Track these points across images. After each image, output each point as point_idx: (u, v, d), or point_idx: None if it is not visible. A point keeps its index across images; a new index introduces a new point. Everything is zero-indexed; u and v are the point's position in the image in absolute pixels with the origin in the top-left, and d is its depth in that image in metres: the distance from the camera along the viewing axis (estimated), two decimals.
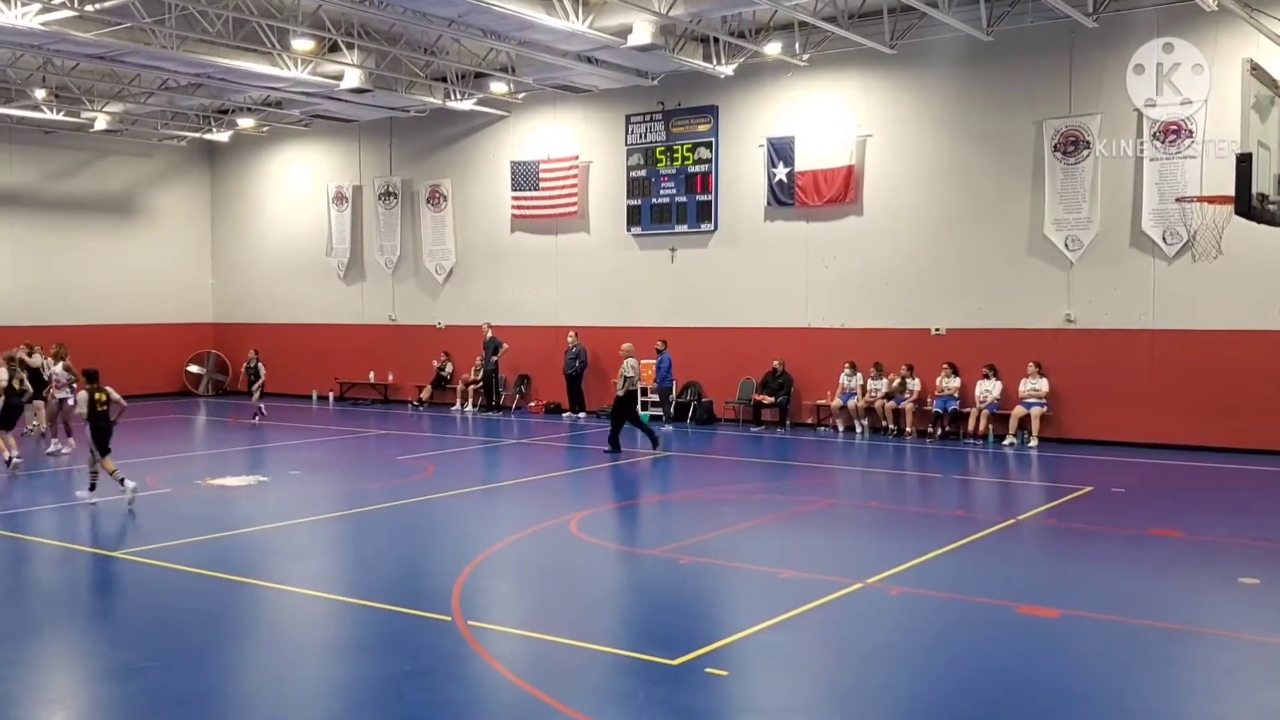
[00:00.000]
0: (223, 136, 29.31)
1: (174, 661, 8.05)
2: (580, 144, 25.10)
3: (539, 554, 11.80)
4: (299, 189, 30.08)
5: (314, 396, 29.17)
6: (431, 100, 24.56)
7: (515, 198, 25.91)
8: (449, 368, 26.78)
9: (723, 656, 8.03)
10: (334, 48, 21.04)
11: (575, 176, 25.04)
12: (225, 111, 27.92)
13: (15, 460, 16.47)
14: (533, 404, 25.66)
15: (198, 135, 29.34)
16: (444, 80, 23.97)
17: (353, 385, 28.85)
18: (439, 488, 15.54)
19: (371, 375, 28.48)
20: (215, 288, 32.13)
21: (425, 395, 26.90)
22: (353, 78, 21.92)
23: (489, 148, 26.59)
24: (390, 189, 28.24)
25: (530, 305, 25.89)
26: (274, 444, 20.17)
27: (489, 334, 25.24)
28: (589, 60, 21.65)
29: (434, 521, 13.60)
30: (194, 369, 31.05)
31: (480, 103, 25.05)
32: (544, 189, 25.39)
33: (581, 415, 24.38)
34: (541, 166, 25.40)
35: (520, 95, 25.05)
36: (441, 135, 27.31)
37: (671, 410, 23.28)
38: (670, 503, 15.15)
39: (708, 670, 7.70)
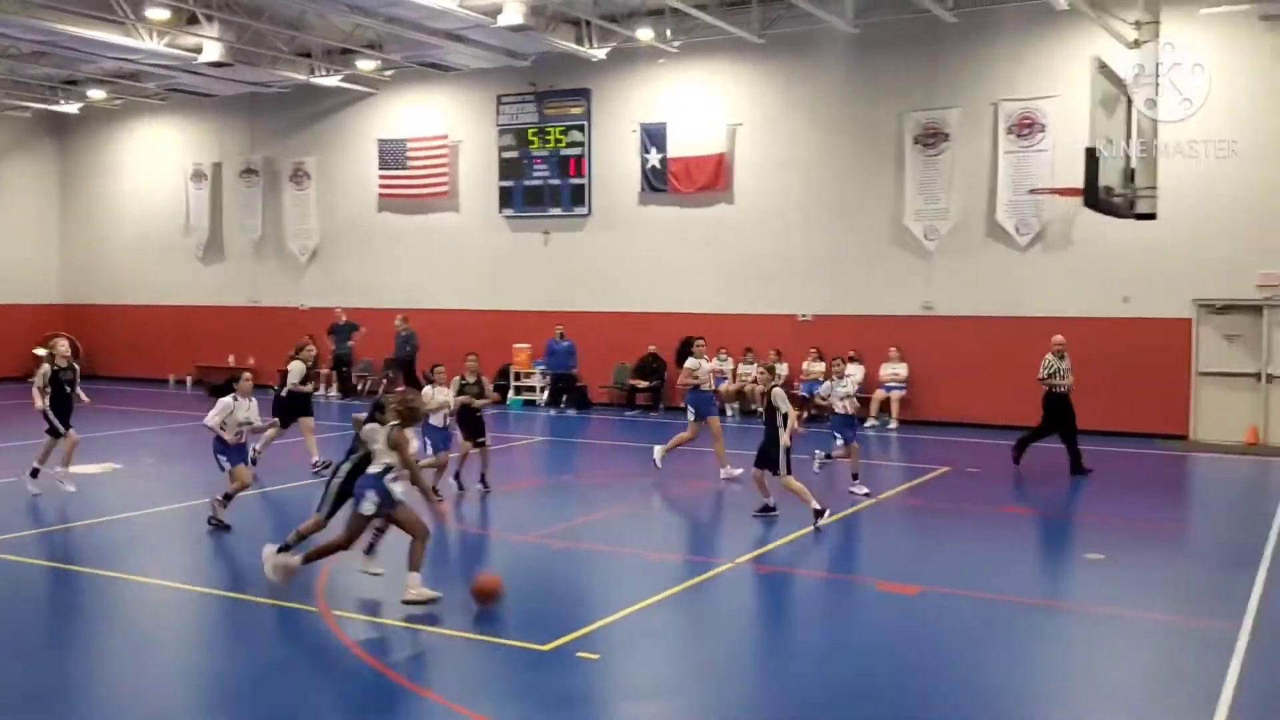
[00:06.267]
0: (72, 108, 27.95)
1: (28, 657, 7.69)
2: (450, 123, 24.76)
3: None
4: (155, 165, 28.88)
5: (170, 381, 28.15)
6: (295, 76, 23.88)
7: (383, 177, 25.42)
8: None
9: (594, 640, 8.07)
10: (192, 19, 20.25)
11: (445, 156, 24.70)
12: (74, 82, 26.60)
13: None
14: (401, 389, 25.23)
15: (44, 106, 27.90)
16: (308, 56, 23.32)
17: (212, 369, 27.93)
18: (301, 474, 15.18)
19: (231, 359, 27.60)
20: (65, 267, 30.63)
21: None
22: (212, 51, 21.15)
23: (356, 125, 26.00)
24: (251, 166, 27.37)
25: (399, 287, 25.43)
26: (127, 430, 19.40)
27: (343, 318, 24.72)
28: (459, 39, 21.34)
29: (297, 508, 13.25)
30: (42, 352, 29.58)
31: (346, 79, 24.46)
32: (412, 168, 24.97)
33: None
34: (409, 145, 24.97)
35: (388, 73, 24.55)
36: (306, 112, 26.57)
37: (545, 394, 23.19)
38: (543, 487, 15.11)
39: (579, 654, 7.72)
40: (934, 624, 8.77)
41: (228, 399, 11.60)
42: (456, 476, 13.41)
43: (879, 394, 20.26)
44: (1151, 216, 12.04)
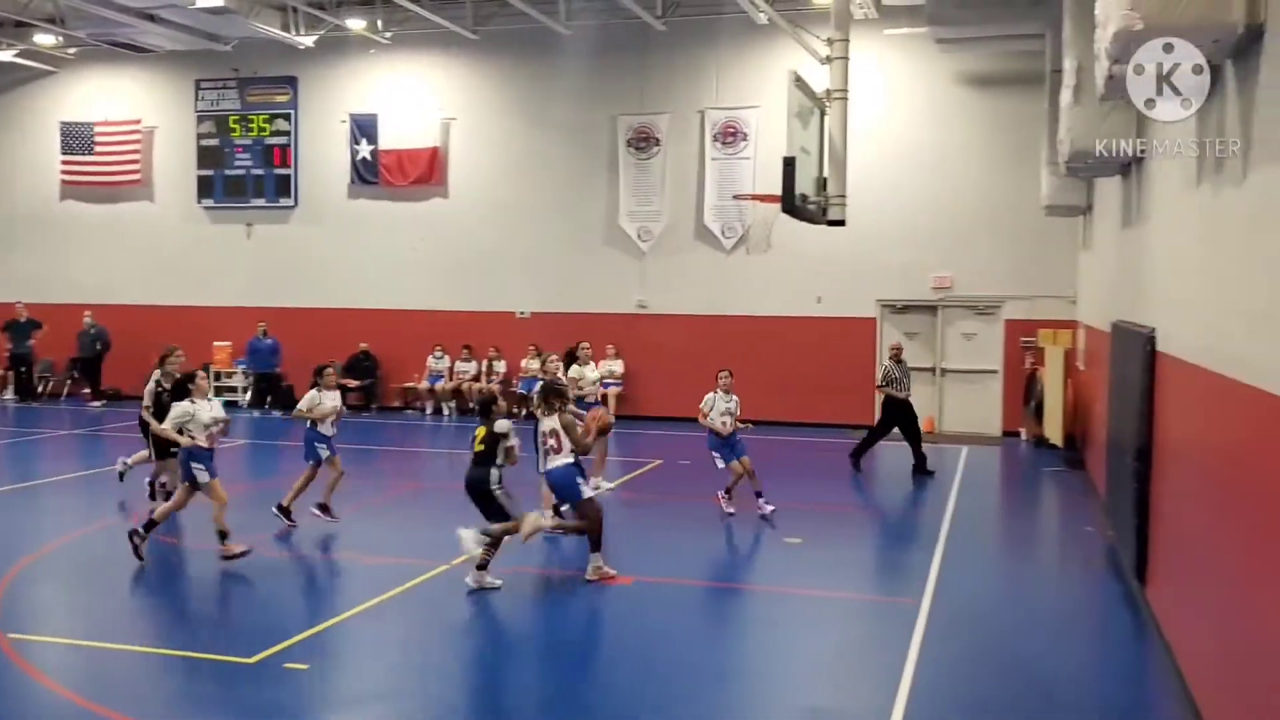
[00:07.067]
0: None
1: None
2: (143, 108, 23.21)
3: (95, 556, 10.78)
4: None
5: None
6: None
7: (66, 162, 23.52)
8: None
9: (303, 650, 7.78)
10: None
11: (137, 142, 23.13)
12: None
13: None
14: (86, 391, 23.39)
15: None
16: None
17: None
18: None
19: None
20: None
21: None
22: None
23: (34, 106, 23.88)
24: None
25: (86, 281, 23.51)
26: None
27: (23, 315, 22.65)
28: (152, 18, 19.99)
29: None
30: None
31: (22, 55, 22.38)
32: (100, 154, 23.25)
33: (101, 403, 22.29)
34: (97, 129, 23.22)
35: (72, 50, 22.69)
36: None
37: (248, 395, 22.21)
38: (248, 494, 14.37)
39: (287, 665, 7.43)
40: (647, 612, 9.03)
41: (185, 403, 10.07)
42: (152, 484, 12.49)
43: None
44: (841, 223, 12.83)
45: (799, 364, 19.77)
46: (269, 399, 22.08)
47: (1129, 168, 10.78)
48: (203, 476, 10.04)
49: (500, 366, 21.31)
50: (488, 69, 21.34)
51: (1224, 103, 6.04)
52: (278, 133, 22.51)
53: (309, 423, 11.61)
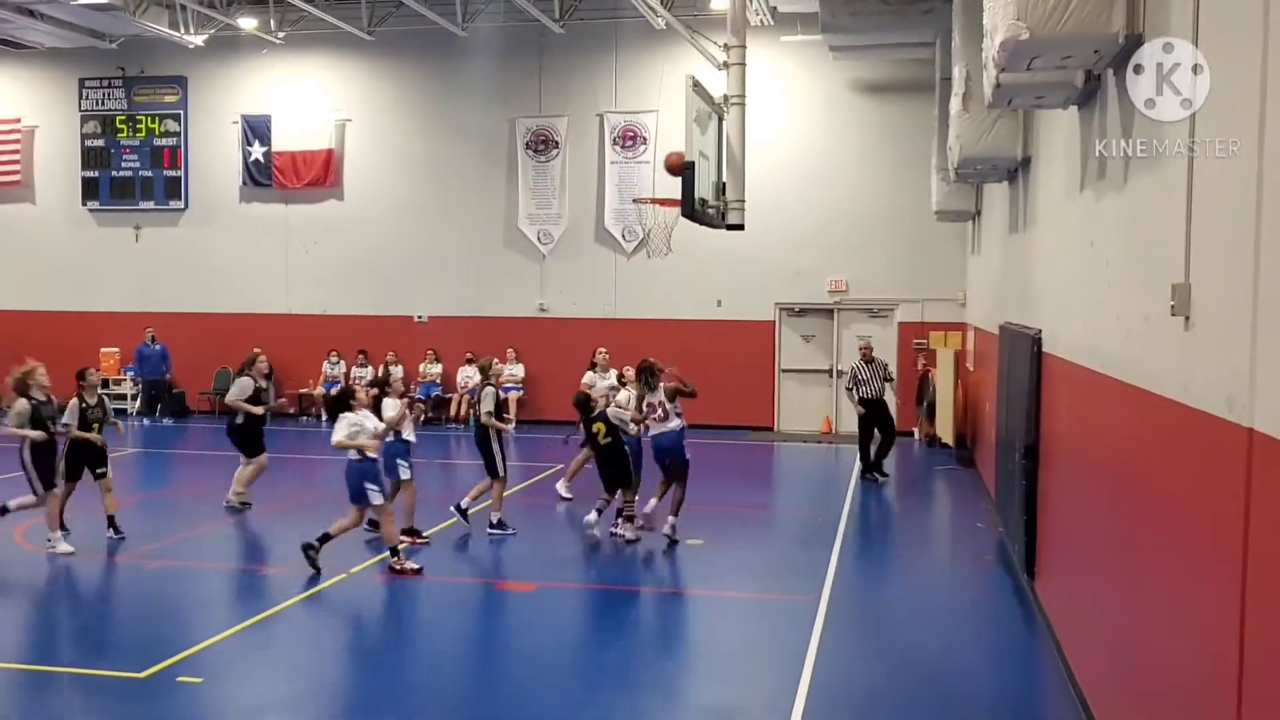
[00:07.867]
0: None
1: None
2: (22, 106, 22.39)
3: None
4: None
5: None
6: None
7: None
8: None
9: (197, 663, 7.59)
10: None
11: (16, 142, 22.30)
12: None
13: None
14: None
15: None
16: None
17: None
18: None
19: None
20: None
21: None
22: None
23: None
24: None
25: None
26: None
27: None
28: (31, 14, 19.27)
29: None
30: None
31: None
32: None
33: None
34: None
35: None
36: None
37: (138, 402, 21.58)
38: (137, 504, 13.95)
39: (180, 679, 7.24)
40: (549, 617, 9.02)
41: (351, 415, 9.80)
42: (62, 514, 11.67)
43: None
44: (740, 227, 12.94)
45: (699, 366, 19.76)
46: (159, 406, 21.47)
47: (1015, 174, 11.12)
48: (376, 498, 9.86)
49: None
50: (384, 70, 21.08)
51: (1105, 111, 6.27)
52: (167, 133, 21.93)
53: (389, 435, 10.72)
